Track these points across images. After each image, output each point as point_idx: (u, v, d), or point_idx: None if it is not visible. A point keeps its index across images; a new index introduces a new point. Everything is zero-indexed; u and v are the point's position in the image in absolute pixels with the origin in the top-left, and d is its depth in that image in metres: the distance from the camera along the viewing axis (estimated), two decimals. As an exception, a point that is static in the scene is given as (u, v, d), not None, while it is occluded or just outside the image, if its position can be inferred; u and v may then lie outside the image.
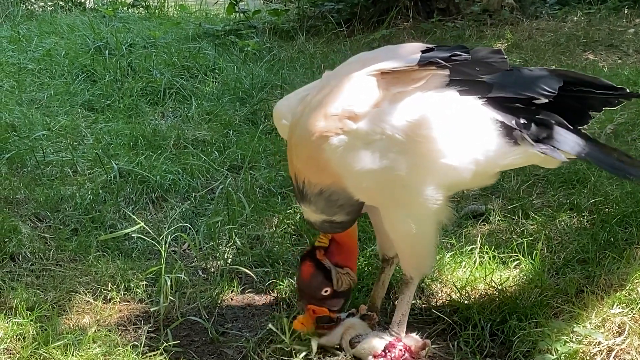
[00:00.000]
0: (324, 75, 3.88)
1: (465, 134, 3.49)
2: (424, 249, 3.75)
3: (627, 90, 3.74)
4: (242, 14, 10.75)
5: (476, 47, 3.75)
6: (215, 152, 6.26)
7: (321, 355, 3.85)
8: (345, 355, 3.84)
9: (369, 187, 3.51)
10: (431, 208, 3.56)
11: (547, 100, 3.51)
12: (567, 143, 3.51)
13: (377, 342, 3.76)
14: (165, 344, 3.91)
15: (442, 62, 3.53)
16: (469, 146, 3.48)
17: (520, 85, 3.54)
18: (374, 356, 3.73)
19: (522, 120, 3.50)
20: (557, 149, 3.49)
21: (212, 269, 4.68)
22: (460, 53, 3.59)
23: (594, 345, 3.59)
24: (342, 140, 3.46)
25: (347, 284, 3.88)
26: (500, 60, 3.61)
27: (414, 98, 3.48)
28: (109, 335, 3.98)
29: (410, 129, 3.43)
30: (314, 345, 3.85)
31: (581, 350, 3.56)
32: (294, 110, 3.78)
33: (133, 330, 4.13)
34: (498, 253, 4.45)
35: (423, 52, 3.62)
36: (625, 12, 9.79)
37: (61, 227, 5.19)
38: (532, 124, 3.51)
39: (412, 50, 3.68)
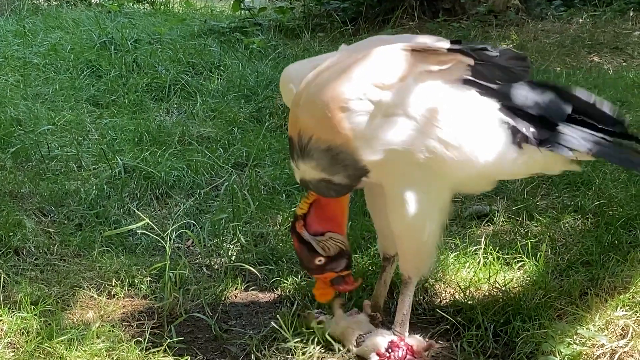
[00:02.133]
0: (341, 48, 3.88)
1: (479, 132, 3.50)
2: (426, 248, 3.74)
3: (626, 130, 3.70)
4: (247, 11, 10.76)
5: (505, 48, 3.75)
6: (220, 149, 6.26)
7: (322, 352, 3.85)
8: (344, 355, 3.84)
9: (381, 158, 3.49)
10: (437, 199, 3.57)
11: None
12: (575, 139, 3.51)
13: (380, 340, 3.76)
14: (168, 340, 3.90)
15: (469, 52, 3.54)
16: (480, 144, 3.50)
17: (534, 104, 3.55)
18: (378, 355, 3.73)
19: (532, 128, 3.51)
20: (564, 146, 3.49)
21: (216, 266, 4.68)
22: (490, 49, 3.60)
23: (598, 347, 3.59)
24: (365, 106, 3.46)
25: (336, 248, 3.81)
26: (522, 69, 3.61)
27: (437, 84, 3.50)
28: (113, 331, 3.98)
29: (430, 113, 3.45)
30: (337, 310, 3.90)
31: (585, 353, 3.56)
32: (304, 76, 3.74)
33: (137, 326, 4.13)
34: (502, 254, 4.45)
35: (452, 42, 3.64)
36: (631, 14, 9.80)
37: (65, 222, 5.19)
38: (539, 127, 3.52)
39: (435, 39, 3.69)
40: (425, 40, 3.67)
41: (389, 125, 3.46)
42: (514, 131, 3.50)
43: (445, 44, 3.60)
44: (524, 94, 3.57)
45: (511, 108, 3.53)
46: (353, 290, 4.06)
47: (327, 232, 3.81)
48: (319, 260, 3.81)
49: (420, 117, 3.45)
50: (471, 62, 3.53)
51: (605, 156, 3.63)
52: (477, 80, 3.53)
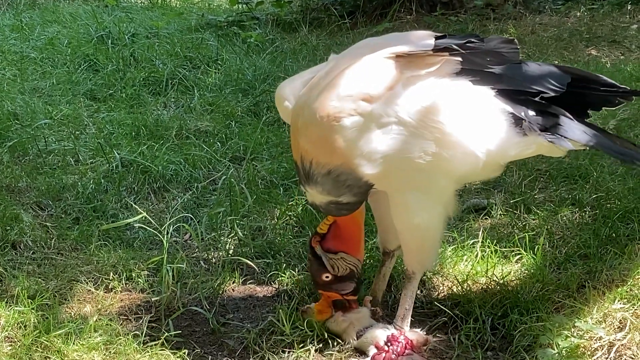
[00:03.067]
0: (331, 58, 3.87)
1: (477, 123, 3.50)
2: (430, 243, 3.75)
3: (628, 89, 3.73)
4: (244, 5, 10.73)
5: (490, 36, 3.75)
6: (218, 143, 6.25)
7: (322, 348, 3.85)
8: (343, 348, 3.84)
9: (381, 170, 3.50)
10: (440, 197, 3.57)
11: (555, 95, 3.51)
12: (574, 131, 3.52)
13: (380, 333, 3.77)
14: (166, 334, 3.92)
15: (456, 48, 3.53)
16: (480, 135, 3.50)
17: (529, 79, 3.55)
18: (377, 347, 3.73)
19: (530, 112, 3.51)
20: (564, 137, 3.49)
21: (214, 260, 4.68)
22: (474, 40, 3.60)
23: (595, 340, 3.59)
24: (356, 121, 3.45)
25: (345, 269, 3.86)
26: (512, 51, 3.62)
27: (428, 84, 3.50)
28: (110, 325, 3.98)
29: (424, 114, 3.45)
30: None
31: (582, 345, 3.56)
32: (298, 93, 3.76)
33: (134, 319, 4.13)
34: (500, 247, 4.45)
35: (437, 38, 3.63)
36: (629, 8, 9.77)
37: (63, 216, 5.19)
38: (540, 115, 3.51)
39: (422, 36, 3.68)
40: (408, 44, 3.66)
41: (384, 136, 3.47)
42: (515, 117, 3.51)
43: (430, 41, 3.59)
44: (519, 72, 3.58)
45: (508, 92, 3.53)
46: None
47: (340, 252, 3.86)
48: (326, 277, 3.86)
49: (415, 121, 3.45)
50: (459, 58, 3.53)
51: (604, 148, 3.63)
52: (470, 68, 3.53)
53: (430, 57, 3.53)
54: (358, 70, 3.56)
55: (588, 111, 3.70)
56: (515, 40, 3.72)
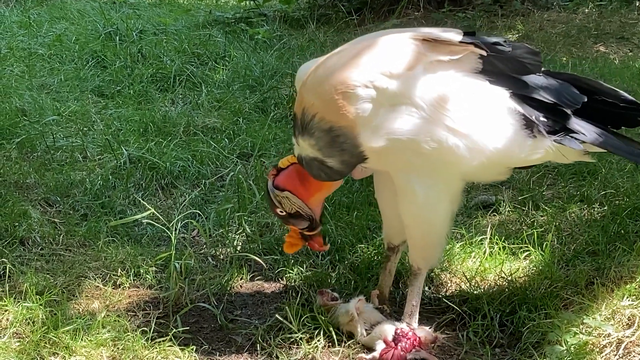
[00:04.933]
0: (349, 44, 3.87)
1: (487, 120, 3.51)
2: (436, 239, 3.75)
3: None
4: (252, 2, 10.72)
5: (517, 43, 3.76)
6: (225, 140, 6.26)
7: (329, 344, 3.85)
8: (351, 345, 3.84)
9: (382, 146, 3.50)
10: (447, 189, 3.59)
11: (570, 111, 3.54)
12: (583, 131, 3.53)
13: (388, 329, 3.77)
14: (174, 330, 3.92)
15: (481, 45, 3.55)
16: (488, 132, 3.50)
17: (546, 90, 3.56)
18: (385, 343, 3.73)
19: (542, 118, 3.52)
20: (574, 138, 3.49)
21: (222, 256, 4.68)
22: (502, 44, 3.62)
23: (604, 337, 3.58)
24: (370, 93, 3.45)
25: (291, 208, 3.85)
26: (534, 63, 3.63)
27: (447, 73, 3.51)
28: (118, 321, 3.98)
29: (437, 101, 3.46)
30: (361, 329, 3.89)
31: (591, 342, 3.56)
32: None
33: (142, 315, 4.13)
34: (508, 244, 4.45)
35: (465, 33, 3.64)
36: (637, 4, 9.76)
37: (71, 212, 5.20)
38: (550, 118, 3.52)
39: (450, 31, 3.68)
40: (437, 32, 3.66)
41: (395, 114, 3.47)
42: (526, 120, 3.51)
43: (458, 36, 3.60)
44: (537, 82, 3.59)
45: (523, 97, 3.54)
46: (321, 251, 4.26)
47: (285, 191, 3.84)
48: (280, 212, 3.87)
49: (428, 107, 3.46)
50: (483, 53, 3.54)
51: (614, 149, 3.62)
52: (490, 69, 3.53)
53: (455, 46, 3.55)
54: (383, 46, 3.58)
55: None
56: (540, 53, 3.72)
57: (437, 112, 3.46)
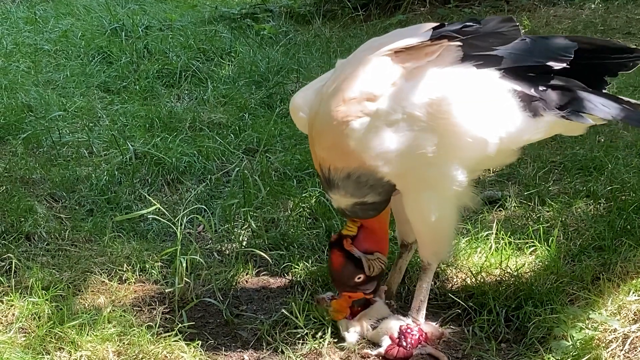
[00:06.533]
0: (337, 64, 3.87)
1: (487, 108, 3.48)
2: (444, 235, 3.76)
3: None
4: (258, -3, 10.73)
5: (487, 17, 3.73)
6: (231, 135, 6.26)
7: (335, 339, 3.85)
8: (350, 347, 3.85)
9: (395, 168, 3.49)
10: (455, 189, 3.57)
11: (564, 66, 3.49)
12: (592, 105, 3.48)
13: (394, 324, 3.77)
14: (179, 325, 3.92)
15: (453, 34, 3.52)
16: (491, 120, 3.47)
17: (536, 53, 3.52)
18: (390, 339, 3.73)
19: (541, 88, 3.48)
20: (582, 113, 3.46)
21: (227, 251, 4.68)
22: (470, 24, 3.58)
23: (610, 332, 3.57)
24: (364, 122, 3.45)
25: (379, 269, 3.87)
26: (512, 29, 3.58)
27: (430, 73, 3.48)
28: (124, 316, 3.99)
29: (430, 106, 3.44)
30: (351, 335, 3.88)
31: (597, 337, 3.55)
32: (311, 103, 3.77)
33: (148, 311, 4.14)
34: (514, 239, 4.44)
35: (434, 28, 3.61)
36: (644, 0, 9.73)
37: (77, 207, 5.21)
38: (553, 91, 3.49)
39: (423, 29, 3.66)
40: (412, 34, 3.63)
41: (395, 134, 3.46)
42: (526, 96, 3.47)
43: (428, 32, 3.57)
44: (525, 47, 3.54)
45: (517, 70, 3.49)
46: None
47: (376, 252, 3.85)
48: (359, 278, 3.85)
49: (422, 113, 3.44)
50: (458, 43, 3.51)
51: (626, 119, 3.56)
52: (473, 53, 3.50)
53: (428, 47, 3.52)
54: (359, 72, 3.56)
55: (605, 78, 3.66)
56: (514, 17, 3.69)
57: (432, 116, 3.44)
